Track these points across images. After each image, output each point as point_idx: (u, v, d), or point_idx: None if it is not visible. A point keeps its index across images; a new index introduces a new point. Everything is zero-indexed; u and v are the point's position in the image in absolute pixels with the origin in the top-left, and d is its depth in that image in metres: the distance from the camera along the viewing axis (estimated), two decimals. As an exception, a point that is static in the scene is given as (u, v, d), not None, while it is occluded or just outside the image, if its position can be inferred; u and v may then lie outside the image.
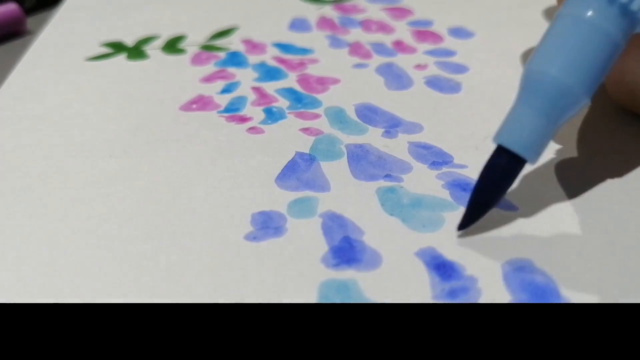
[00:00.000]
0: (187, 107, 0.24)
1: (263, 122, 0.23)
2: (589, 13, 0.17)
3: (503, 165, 0.17)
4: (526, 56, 0.27)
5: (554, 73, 0.17)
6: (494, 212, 0.18)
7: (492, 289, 0.16)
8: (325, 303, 0.16)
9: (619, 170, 0.20)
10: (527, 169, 0.20)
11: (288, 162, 0.21)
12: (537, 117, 0.17)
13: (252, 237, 0.18)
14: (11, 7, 0.31)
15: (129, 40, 0.29)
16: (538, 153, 0.17)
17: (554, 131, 0.17)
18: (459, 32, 0.29)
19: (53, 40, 0.29)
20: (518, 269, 0.17)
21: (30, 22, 0.32)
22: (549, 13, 0.30)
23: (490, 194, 0.18)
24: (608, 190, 0.19)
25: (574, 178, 0.20)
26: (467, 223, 0.18)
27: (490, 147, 0.21)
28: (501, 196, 0.18)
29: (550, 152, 0.21)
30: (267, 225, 0.18)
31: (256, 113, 0.24)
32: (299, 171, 0.20)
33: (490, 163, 0.17)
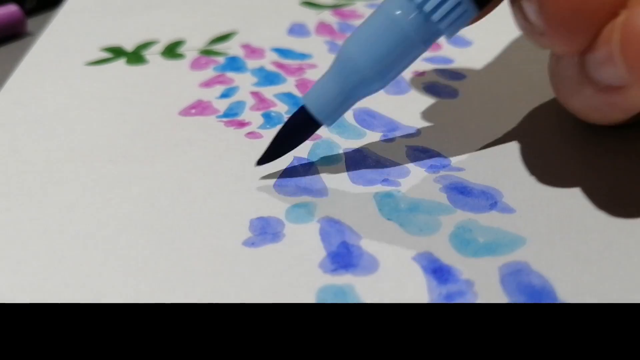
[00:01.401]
0: (186, 112, 0.24)
1: (262, 126, 0.23)
2: (397, 12, 0.18)
3: (300, 122, 0.20)
4: (522, 63, 0.27)
5: (352, 53, 0.19)
6: (491, 215, 0.19)
7: (489, 292, 0.16)
8: (322, 303, 0.16)
9: (617, 171, 0.20)
10: (524, 171, 0.20)
11: (286, 167, 0.21)
12: (336, 88, 0.19)
13: (250, 243, 0.18)
14: (12, 9, 0.32)
15: (128, 45, 0.29)
16: (331, 119, 0.19)
17: (349, 104, 0.19)
18: (456, 40, 0.29)
19: (52, 44, 0.29)
20: (515, 272, 0.17)
21: (30, 23, 0.32)
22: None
23: (285, 143, 0.20)
24: (605, 191, 0.19)
25: (571, 179, 0.20)
26: (262, 162, 0.20)
27: (487, 149, 0.21)
28: (294, 147, 0.20)
29: (547, 153, 0.21)
30: (265, 231, 0.18)
31: (255, 118, 0.24)
32: (297, 176, 0.20)
33: (292, 117, 0.20)
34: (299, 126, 0.20)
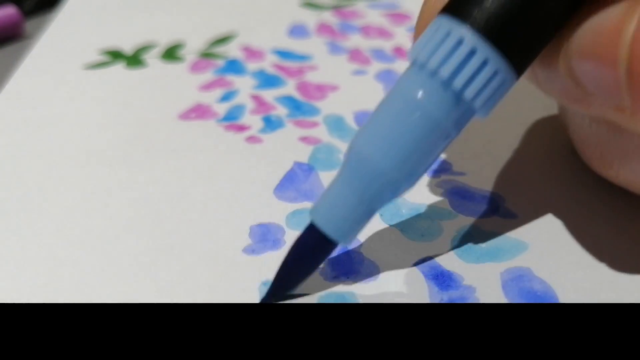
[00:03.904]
0: (186, 115, 0.24)
1: (262, 130, 0.23)
2: (419, 95, 0.15)
3: (311, 243, 0.16)
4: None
5: (369, 153, 0.15)
6: (493, 220, 0.19)
7: (491, 298, 0.16)
8: (322, 303, 0.16)
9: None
10: (528, 175, 0.20)
11: (286, 172, 0.21)
12: (352, 198, 0.15)
13: (250, 250, 0.18)
14: (10, 11, 0.31)
15: (128, 48, 0.29)
16: (350, 236, 0.16)
17: (370, 214, 0.16)
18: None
19: (51, 47, 0.29)
20: (517, 278, 0.17)
21: (28, 25, 0.32)
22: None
23: (296, 272, 0.16)
24: (607, 198, 0.19)
25: (574, 185, 0.20)
26: (269, 298, 0.16)
27: (489, 154, 0.21)
28: (309, 274, 0.16)
29: (550, 157, 0.21)
30: (265, 237, 0.18)
31: (255, 121, 0.23)
32: (297, 182, 0.20)
33: (299, 239, 0.16)
34: (311, 249, 0.16)
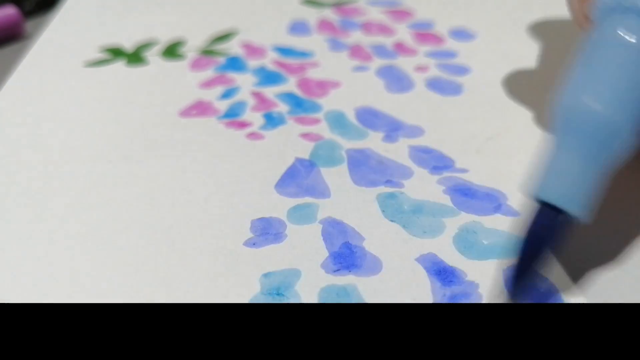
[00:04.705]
0: (187, 112, 0.24)
1: (263, 127, 0.23)
2: (630, 33, 0.14)
3: (548, 225, 0.14)
4: (526, 59, 0.26)
5: (598, 108, 0.14)
6: (495, 218, 0.18)
7: (494, 294, 0.16)
8: (325, 303, 0.16)
9: (619, 175, 0.20)
10: (529, 173, 0.20)
11: (288, 168, 0.21)
12: (583, 164, 0.14)
13: (251, 244, 0.18)
14: (10, 11, 0.31)
15: (128, 45, 0.29)
16: (588, 207, 0.14)
17: (605, 179, 0.14)
18: (460, 34, 0.29)
19: (51, 45, 0.29)
20: (520, 275, 0.17)
21: (28, 25, 0.32)
22: (551, 13, 0.30)
23: (536, 259, 0.15)
24: (609, 197, 0.19)
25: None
26: (516, 291, 0.15)
27: (491, 150, 0.21)
28: (547, 258, 0.15)
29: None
30: (266, 231, 0.18)
31: (256, 118, 0.23)
32: (298, 177, 0.20)
33: (534, 225, 0.15)
34: (548, 232, 0.14)
